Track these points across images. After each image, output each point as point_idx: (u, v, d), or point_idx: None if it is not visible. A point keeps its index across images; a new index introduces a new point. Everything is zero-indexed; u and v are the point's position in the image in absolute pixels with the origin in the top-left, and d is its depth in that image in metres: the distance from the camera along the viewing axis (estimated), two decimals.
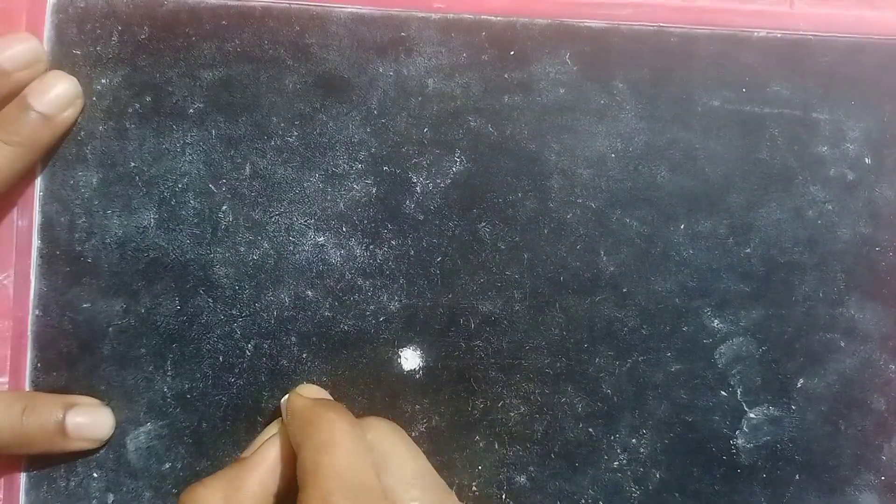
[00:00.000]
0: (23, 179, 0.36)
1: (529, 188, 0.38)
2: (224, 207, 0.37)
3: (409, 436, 0.36)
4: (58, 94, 0.36)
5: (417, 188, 0.38)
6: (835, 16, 0.38)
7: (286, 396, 0.34)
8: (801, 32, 0.38)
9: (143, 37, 0.37)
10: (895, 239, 0.38)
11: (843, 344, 0.38)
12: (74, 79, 0.37)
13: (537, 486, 0.37)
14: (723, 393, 0.37)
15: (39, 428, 0.35)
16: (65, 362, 0.37)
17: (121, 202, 0.37)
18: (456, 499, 0.32)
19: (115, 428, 0.37)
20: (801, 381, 0.38)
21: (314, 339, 0.37)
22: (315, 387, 0.36)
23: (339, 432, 0.30)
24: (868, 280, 0.38)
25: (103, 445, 0.37)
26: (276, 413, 0.37)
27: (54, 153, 0.37)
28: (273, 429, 0.34)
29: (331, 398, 0.35)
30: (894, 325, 0.38)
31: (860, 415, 0.38)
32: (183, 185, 0.37)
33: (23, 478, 0.37)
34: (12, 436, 0.35)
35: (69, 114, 0.36)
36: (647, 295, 0.38)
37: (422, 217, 0.38)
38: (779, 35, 0.38)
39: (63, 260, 0.37)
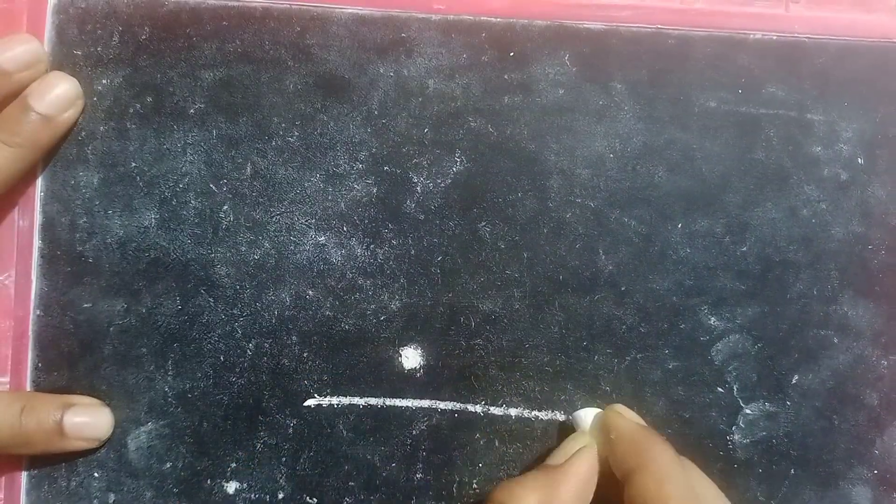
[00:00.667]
0: (24, 180, 0.36)
1: (529, 188, 0.38)
2: (225, 207, 0.37)
3: (410, 434, 0.37)
4: (58, 95, 0.36)
5: (418, 188, 0.38)
6: (829, 19, 0.39)
7: (587, 410, 0.36)
8: (797, 35, 0.39)
9: (143, 37, 0.37)
10: (887, 237, 0.38)
11: (836, 340, 0.38)
12: (75, 80, 0.36)
13: None
14: (719, 389, 0.38)
15: (38, 428, 0.35)
16: (66, 362, 0.37)
17: (122, 202, 0.37)
18: None
19: (116, 427, 0.37)
20: (796, 377, 0.38)
21: (315, 338, 0.37)
22: (627, 409, 0.36)
23: (678, 467, 0.31)
24: (861, 278, 0.38)
25: (103, 445, 0.37)
26: (289, 411, 0.37)
27: (55, 154, 0.37)
28: (582, 440, 0.34)
29: (645, 424, 0.35)
30: (886, 321, 0.38)
31: (853, 410, 0.38)
32: (184, 185, 0.37)
33: (24, 477, 0.37)
34: (11, 435, 0.34)
35: (69, 115, 0.36)
36: (645, 293, 0.38)
37: (422, 217, 0.38)
38: (774, 37, 0.39)
39: (64, 260, 0.37)
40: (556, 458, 0.33)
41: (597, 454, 0.33)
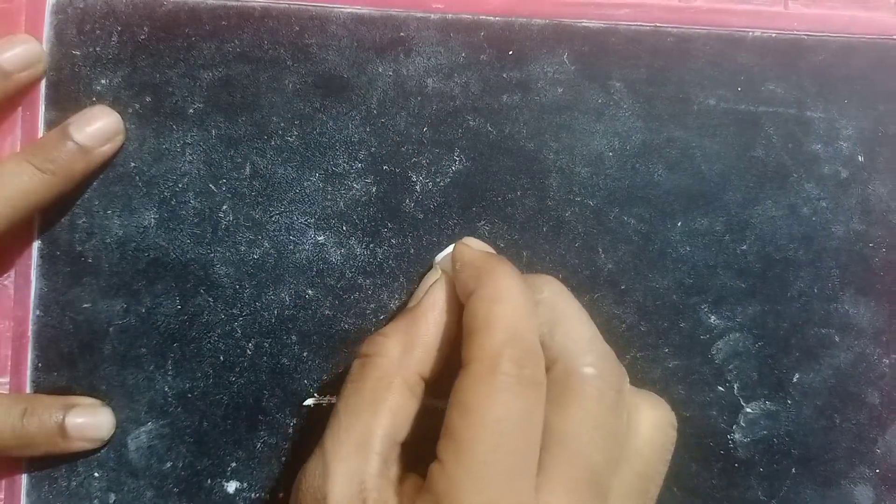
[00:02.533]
0: None
1: (528, 186, 0.38)
2: (224, 207, 0.37)
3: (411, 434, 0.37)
4: (99, 128, 0.36)
5: (417, 187, 0.38)
6: (828, 16, 0.39)
7: (447, 249, 0.35)
8: (796, 32, 0.39)
9: (142, 37, 0.37)
10: (888, 235, 0.38)
11: (837, 339, 0.38)
12: (118, 115, 0.37)
13: None
14: (720, 388, 0.38)
15: (40, 429, 0.35)
16: (66, 362, 0.37)
17: (121, 202, 0.37)
18: (625, 371, 0.31)
19: (116, 428, 0.37)
20: (797, 375, 0.38)
21: (315, 337, 0.37)
22: (479, 241, 0.35)
23: (513, 286, 0.30)
24: (862, 276, 0.38)
25: (104, 445, 0.37)
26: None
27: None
28: (433, 277, 0.34)
29: (495, 253, 0.34)
30: (888, 320, 0.38)
31: (855, 408, 0.38)
32: (183, 184, 0.37)
33: (24, 477, 0.37)
34: (13, 438, 0.35)
35: (107, 148, 0.36)
36: (644, 292, 0.38)
37: (421, 216, 0.38)
38: (774, 35, 0.39)
39: (63, 260, 0.37)
40: (413, 300, 0.33)
41: (446, 286, 0.32)
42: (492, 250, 0.35)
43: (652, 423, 0.31)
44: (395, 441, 0.30)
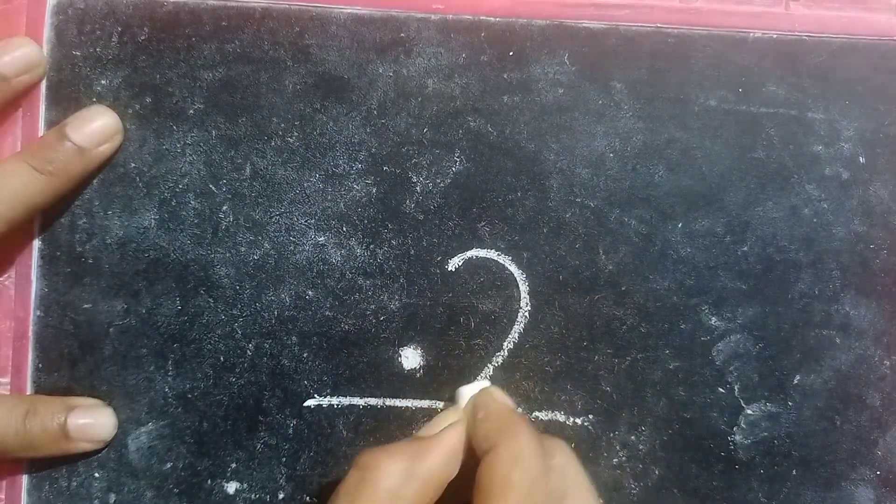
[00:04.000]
0: None
1: (528, 187, 0.38)
2: (224, 208, 0.37)
3: (410, 434, 0.37)
4: (96, 128, 0.36)
5: (417, 188, 0.38)
6: (829, 17, 0.39)
7: (468, 387, 0.35)
8: (796, 33, 0.38)
9: (142, 38, 0.37)
10: (889, 237, 0.38)
11: (838, 340, 0.38)
12: (115, 114, 0.37)
13: None
14: (720, 390, 0.38)
15: (42, 431, 0.35)
16: (66, 363, 0.37)
17: (121, 203, 0.37)
18: None
19: (117, 428, 0.37)
20: (798, 377, 0.38)
21: (315, 338, 0.37)
22: (503, 392, 0.35)
23: (533, 451, 0.30)
24: (862, 277, 0.38)
25: (106, 446, 0.37)
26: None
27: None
28: (454, 415, 0.33)
29: (516, 408, 0.35)
30: (888, 321, 0.38)
31: (855, 410, 0.38)
32: (183, 185, 0.37)
33: (25, 478, 0.37)
34: (16, 440, 0.35)
35: (105, 148, 0.36)
36: (645, 293, 0.38)
37: (422, 217, 0.38)
38: (774, 36, 0.38)
39: (64, 261, 0.37)
40: (427, 430, 0.33)
41: (464, 431, 0.32)
42: (513, 405, 0.34)
43: None
44: None
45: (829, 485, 0.38)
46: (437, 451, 0.31)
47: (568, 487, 0.31)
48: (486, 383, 0.36)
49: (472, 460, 0.31)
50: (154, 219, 0.37)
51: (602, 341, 0.38)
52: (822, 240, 0.38)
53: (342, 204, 0.38)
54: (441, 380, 0.37)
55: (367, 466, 0.30)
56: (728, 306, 0.38)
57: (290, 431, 0.37)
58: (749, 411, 0.38)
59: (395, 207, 0.38)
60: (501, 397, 0.34)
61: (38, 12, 0.37)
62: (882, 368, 0.38)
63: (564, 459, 0.32)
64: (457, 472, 0.31)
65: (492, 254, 0.38)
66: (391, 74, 0.38)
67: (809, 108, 0.38)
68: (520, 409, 0.36)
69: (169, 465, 0.37)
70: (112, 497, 0.37)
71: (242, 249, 0.37)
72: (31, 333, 0.37)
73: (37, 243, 0.37)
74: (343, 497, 0.30)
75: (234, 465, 0.37)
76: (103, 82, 0.37)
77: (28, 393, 0.37)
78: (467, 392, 0.35)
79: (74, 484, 0.37)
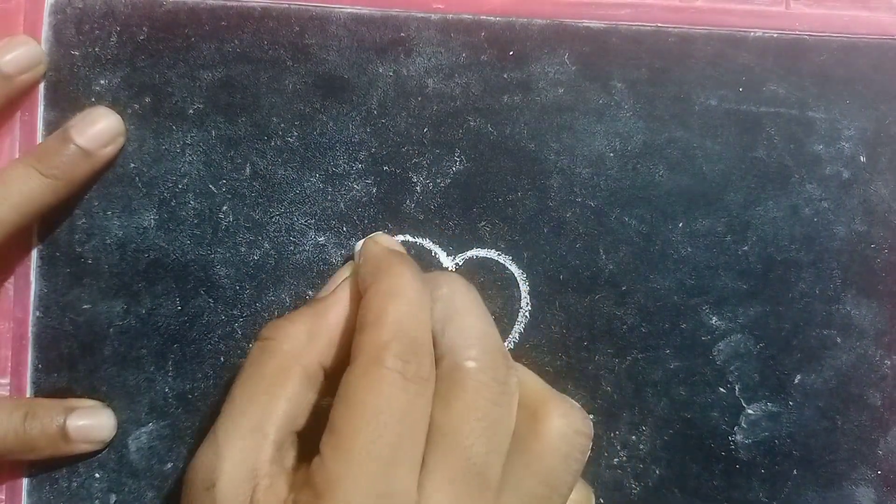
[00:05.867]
0: None
1: (529, 187, 0.38)
2: (224, 208, 0.37)
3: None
4: (100, 130, 0.36)
5: (417, 188, 0.38)
6: (830, 16, 0.39)
7: (361, 241, 0.34)
8: (797, 32, 0.38)
9: (142, 37, 0.37)
10: (890, 236, 0.38)
11: (839, 340, 0.38)
12: (118, 116, 0.36)
13: None
14: (721, 389, 0.38)
15: (42, 433, 0.35)
16: (66, 363, 0.37)
17: (121, 203, 0.37)
18: (513, 362, 0.31)
19: (117, 429, 0.37)
20: (799, 377, 0.38)
21: None
22: (389, 237, 0.36)
23: (408, 283, 0.30)
24: (864, 277, 0.38)
25: (106, 447, 0.37)
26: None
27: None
28: (346, 271, 0.34)
29: (403, 250, 0.35)
30: (890, 321, 0.38)
31: (857, 410, 0.38)
32: (183, 185, 0.37)
33: (25, 478, 0.37)
34: (16, 442, 0.35)
35: (109, 150, 0.36)
36: (645, 293, 0.38)
37: (422, 217, 0.38)
38: (775, 35, 0.38)
39: (63, 261, 0.37)
40: (325, 291, 0.33)
41: (356, 282, 0.32)
42: (400, 248, 0.35)
43: (558, 430, 0.30)
44: (291, 429, 0.30)
45: (830, 484, 0.38)
46: (336, 307, 0.31)
47: (452, 312, 0.31)
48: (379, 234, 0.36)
49: None
50: (154, 219, 0.37)
51: (602, 341, 0.38)
52: (823, 239, 0.38)
53: (342, 204, 0.38)
54: None
55: (269, 335, 0.31)
56: (729, 306, 0.38)
57: None
58: (750, 411, 0.38)
59: (396, 207, 0.38)
60: (387, 240, 0.34)
61: (37, 11, 0.37)
62: (883, 368, 0.38)
63: (451, 289, 0.31)
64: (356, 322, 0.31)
65: (492, 254, 0.38)
66: (391, 74, 0.38)
67: (810, 107, 0.38)
68: None
69: (169, 465, 0.37)
70: (113, 497, 0.37)
71: (242, 249, 0.37)
72: (30, 334, 0.37)
73: (36, 244, 0.37)
74: (249, 367, 0.30)
75: None
76: (102, 82, 0.37)
77: (28, 394, 0.37)
78: (358, 246, 0.35)
79: (75, 485, 0.37)
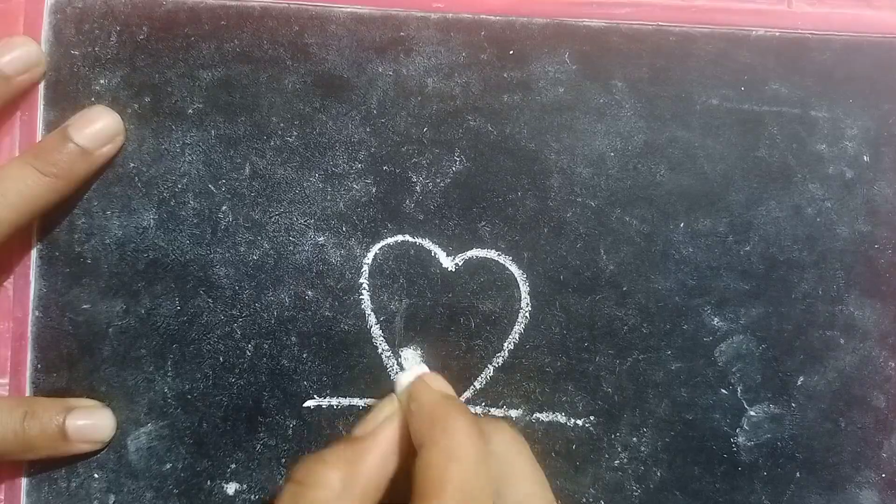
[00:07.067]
0: None
1: (529, 187, 0.38)
2: (224, 208, 0.37)
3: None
4: (99, 129, 0.36)
5: (417, 187, 0.38)
6: (832, 15, 0.38)
7: (405, 375, 0.33)
8: (800, 31, 0.38)
9: (141, 37, 0.37)
10: (893, 236, 0.38)
11: (842, 341, 0.38)
12: (117, 115, 0.37)
13: None
14: (723, 391, 0.38)
15: (41, 433, 0.35)
16: (65, 363, 0.37)
17: (120, 203, 0.37)
18: None
19: (116, 429, 0.37)
20: (801, 378, 0.38)
21: (314, 338, 0.37)
22: (439, 377, 0.33)
23: (469, 443, 0.29)
24: (867, 277, 0.38)
25: (105, 447, 0.37)
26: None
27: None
28: (388, 408, 0.32)
29: (454, 393, 0.33)
30: (893, 322, 0.38)
31: (860, 412, 0.38)
32: (182, 185, 0.37)
33: (24, 479, 0.37)
34: (15, 442, 0.35)
35: (108, 149, 0.36)
36: (647, 293, 0.38)
37: (422, 216, 0.38)
38: (777, 34, 0.38)
39: (63, 261, 0.37)
40: (362, 428, 0.31)
41: (400, 425, 0.31)
42: (451, 391, 0.33)
43: None
44: None
45: (833, 487, 0.37)
46: (373, 453, 0.30)
47: (510, 468, 0.30)
48: (424, 369, 0.34)
49: (413, 453, 0.30)
50: (153, 219, 0.37)
51: (603, 342, 0.38)
52: (826, 239, 0.38)
53: (342, 204, 0.38)
54: None
55: (303, 480, 0.29)
56: (731, 307, 0.38)
57: (290, 432, 0.37)
58: (752, 413, 0.38)
59: (395, 207, 0.38)
60: (438, 383, 0.33)
61: (36, 11, 0.37)
62: (887, 370, 0.38)
63: (505, 441, 0.31)
64: (396, 467, 0.30)
65: (492, 254, 0.38)
66: (391, 73, 0.38)
67: (812, 106, 0.38)
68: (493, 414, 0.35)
69: (168, 465, 0.37)
70: (111, 498, 0.37)
71: (242, 249, 0.37)
72: (29, 334, 0.37)
73: (36, 243, 0.37)
74: None
75: (233, 466, 0.37)
76: (102, 82, 0.37)
77: (27, 393, 0.37)
78: (404, 380, 0.33)
79: (74, 485, 0.37)
